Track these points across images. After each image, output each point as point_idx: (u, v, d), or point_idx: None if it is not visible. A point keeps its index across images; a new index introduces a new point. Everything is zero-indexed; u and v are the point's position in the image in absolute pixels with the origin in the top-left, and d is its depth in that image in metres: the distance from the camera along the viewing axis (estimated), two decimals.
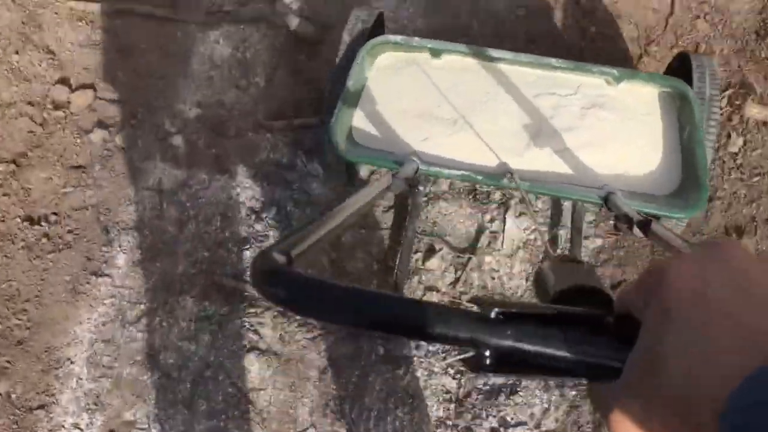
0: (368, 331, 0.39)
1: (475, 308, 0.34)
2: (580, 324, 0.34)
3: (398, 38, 1.24)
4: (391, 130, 1.19)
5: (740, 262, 0.30)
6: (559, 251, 1.43)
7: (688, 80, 1.22)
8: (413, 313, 0.32)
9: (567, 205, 1.45)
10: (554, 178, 1.13)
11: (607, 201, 1.03)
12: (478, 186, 1.47)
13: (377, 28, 1.37)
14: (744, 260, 0.30)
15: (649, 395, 0.29)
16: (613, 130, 1.18)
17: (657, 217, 1.13)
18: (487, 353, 0.32)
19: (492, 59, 1.23)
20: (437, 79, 1.24)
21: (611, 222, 1.43)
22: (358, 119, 1.21)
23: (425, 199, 1.47)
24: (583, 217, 1.39)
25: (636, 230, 0.84)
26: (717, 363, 0.26)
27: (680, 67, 1.31)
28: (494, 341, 0.32)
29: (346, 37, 1.30)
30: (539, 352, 0.32)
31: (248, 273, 1.44)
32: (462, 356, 0.33)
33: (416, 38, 1.24)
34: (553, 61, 1.21)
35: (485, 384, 1.33)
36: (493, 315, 0.33)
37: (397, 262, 1.40)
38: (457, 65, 1.25)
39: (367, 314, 0.33)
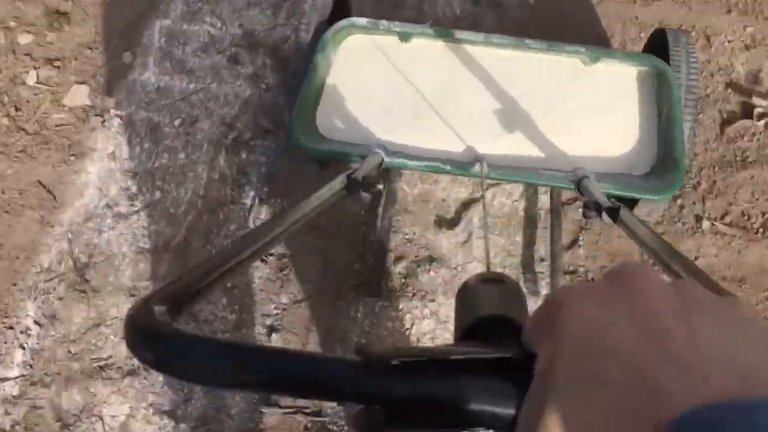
0: (252, 391, 0.33)
1: (359, 359, 0.29)
2: (486, 367, 0.29)
3: (364, 21, 1.18)
4: (357, 121, 1.13)
5: (653, 299, 0.24)
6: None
7: (666, 57, 1.19)
8: (288, 368, 0.27)
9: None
10: (527, 163, 1.09)
11: (579, 186, 0.99)
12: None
13: (342, 9, 1.29)
14: (658, 297, 0.24)
15: None
16: (588, 110, 1.14)
17: (633, 200, 1.13)
18: (376, 409, 0.28)
19: (463, 42, 1.18)
20: (406, 65, 1.18)
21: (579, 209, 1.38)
22: (323, 110, 1.15)
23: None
24: (560, 199, 1.37)
25: (605, 217, 0.79)
26: (609, 427, 0.20)
27: (659, 45, 1.27)
28: (384, 393, 0.28)
29: (306, 26, 1.25)
30: (436, 403, 0.28)
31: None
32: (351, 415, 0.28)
33: (383, 21, 1.18)
34: (527, 41, 1.16)
35: None
36: (381, 365, 0.28)
37: (372, 259, 1.33)
38: (426, 49, 1.20)
39: (246, 374, 0.28)
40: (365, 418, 0.27)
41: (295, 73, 1.62)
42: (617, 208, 0.76)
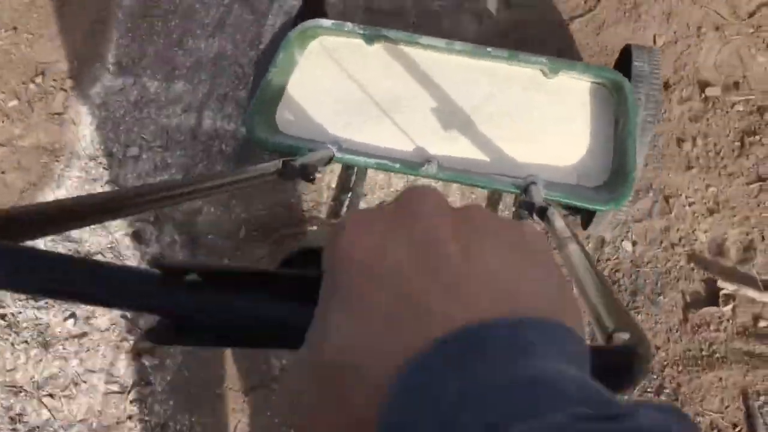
0: (40, 295, 0.29)
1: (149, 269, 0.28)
2: (283, 287, 0.28)
3: (329, 23, 1.19)
4: (316, 118, 1.16)
5: (433, 223, 0.24)
6: None
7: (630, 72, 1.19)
8: (74, 272, 0.27)
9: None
10: (479, 168, 1.10)
11: (526, 191, 1.01)
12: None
13: (312, 9, 1.31)
14: (439, 221, 0.24)
15: (310, 375, 0.23)
16: (546, 120, 1.16)
17: (584, 210, 1.16)
18: (168, 321, 0.27)
19: (425, 47, 1.19)
20: (369, 66, 1.21)
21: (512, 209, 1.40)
22: (284, 106, 1.17)
23: None
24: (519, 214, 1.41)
25: (535, 216, 0.83)
26: (377, 348, 0.20)
27: (626, 59, 1.26)
28: (174, 306, 0.27)
29: (273, 19, 1.25)
30: (226, 318, 0.27)
31: None
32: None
33: (348, 23, 1.20)
34: (488, 49, 1.17)
35: None
36: (170, 277, 0.27)
37: None
38: (389, 52, 1.22)
39: (29, 275, 0.27)
40: (157, 329, 0.27)
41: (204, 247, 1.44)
42: (545, 208, 0.80)
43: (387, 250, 0.23)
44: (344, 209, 1.38)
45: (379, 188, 1.49)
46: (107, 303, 0.28)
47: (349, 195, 1.38)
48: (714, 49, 1.63)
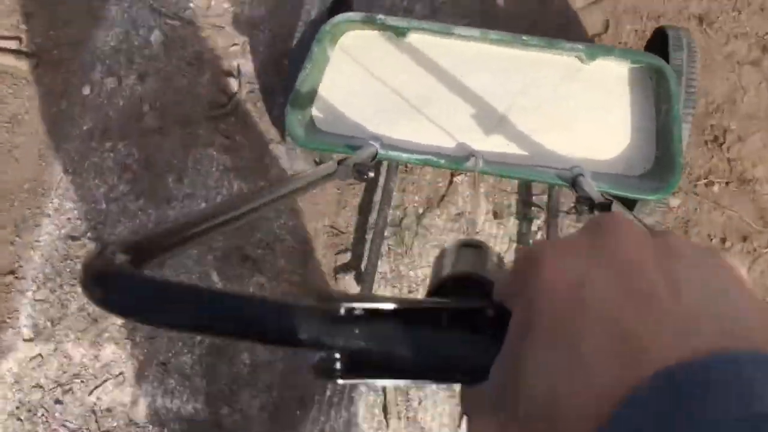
0: (215, 336, 0.26)
1: (320, 305, 0.26)
2: (453, 318, 0.27)
3: (360, 16, 1.16)
4: (353, 114, 1.15)
5: (632, 250, 0.22)
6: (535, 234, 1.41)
7: (667, 55, 1.18)
8: (247, 312, 0.25)
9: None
10: (521, 160, 1.10)
11: (574, 183, 0.99)
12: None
13: (341, 4, 1.29)
14: (638, 247, 0.22)
15: (508, 411, 0.22)
16: (585, 109, 1.14)
17: (631, 200, 1.12)
18: (337, 356, 0.26)
19: (460, 37, 1.17)
20: (402, 59, 1.19)
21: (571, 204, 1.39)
22: (320, 103, 1.16)
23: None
24: (558, 199, 1.38)
25: (596, 213, 0.81)
26: (589, 382, 0.19)
27: (660, 43, 1.26)
28: (341, 342, 0.25)
29: (305, 16, 1.24)
30: (397, 354, 0.26)
31: None
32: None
33: (380, 15, 1.16)
34: (524, 37, 1.14)
35: None
36: (342, 311, 0.26)
37: (364, 257, 1.31)
38: (423, 44, 1.20)
39: (195, 316, 0.25)
40: (325, 366, 0.26)
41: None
42: (609, 204, 0.78)
43: (588, 276, 0.22)
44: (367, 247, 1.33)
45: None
46: (275, 341, 0.25)
47: (380, 194, 1.36)
48: (743, 267, 1.40)
